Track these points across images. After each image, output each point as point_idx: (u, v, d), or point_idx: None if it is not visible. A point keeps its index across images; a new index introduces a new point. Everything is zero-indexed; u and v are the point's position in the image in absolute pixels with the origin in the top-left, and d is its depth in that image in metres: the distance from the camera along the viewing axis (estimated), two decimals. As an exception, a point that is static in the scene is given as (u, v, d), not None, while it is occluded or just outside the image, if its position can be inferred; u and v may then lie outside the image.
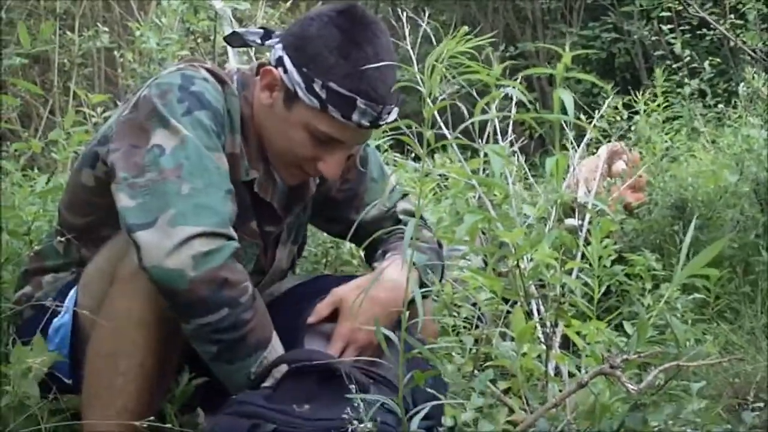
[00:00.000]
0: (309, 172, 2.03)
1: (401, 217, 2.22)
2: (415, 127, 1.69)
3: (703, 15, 3.69)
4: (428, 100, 1.63)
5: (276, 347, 1.90)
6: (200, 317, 1.79)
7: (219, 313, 1.79)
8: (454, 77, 2.00)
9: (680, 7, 3.95)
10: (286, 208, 2.15)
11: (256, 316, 1.84)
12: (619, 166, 3.83)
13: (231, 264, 1.80)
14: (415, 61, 2.96)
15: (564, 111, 1.80)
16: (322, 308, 2.02)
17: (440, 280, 2.18)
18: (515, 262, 2.07)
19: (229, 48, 3.44)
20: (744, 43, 3.81)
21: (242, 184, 2.04)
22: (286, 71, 1.95)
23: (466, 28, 1.71)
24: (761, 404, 2.03)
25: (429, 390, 1.70)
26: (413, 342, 1.63)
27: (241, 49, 2.96)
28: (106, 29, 5.41)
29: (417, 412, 1.61)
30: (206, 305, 1.78)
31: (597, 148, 4.23)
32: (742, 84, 4.65)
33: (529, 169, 4.11)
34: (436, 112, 3.35)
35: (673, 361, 1.52)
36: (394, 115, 1.98)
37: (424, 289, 1.88)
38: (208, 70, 2.02)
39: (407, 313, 1.65)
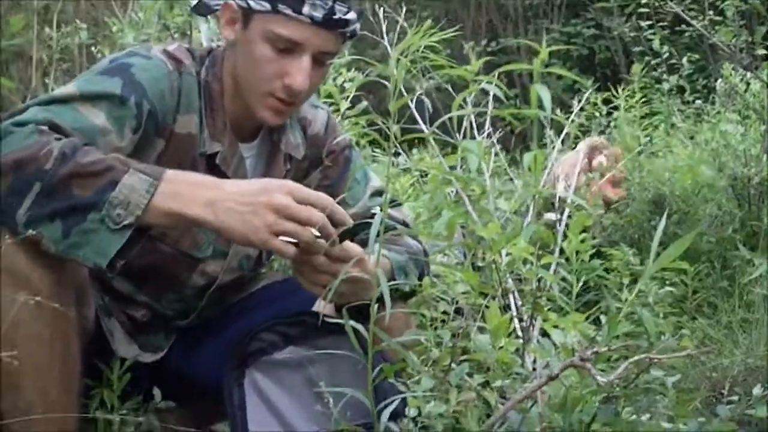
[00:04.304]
0: (279, 94, 1.98)
1: (386, 221, 2.20)
2: (382, 122, 1.68)
3: (678, 11, 3.68)
4: (393, 95, 1.63)
5: (132, 179, 1.69)
6: (21, 207, 1.65)
7: (33, 190, 1.65)
8: (429, 73, 2.00)
9: (657, 4, 3.97)
10: None
11: (78, 164, 1.66)
12: (599, 160, 3.84)
13: (25, 142, 1.67)
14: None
15: (542, 107, 1.79)
16: None
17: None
18: (491, 257, 2.07)
19: (201, 26, 3.43)
20: (720, 39, 3.81)
21: (201, 159, 2.02)
22: None
23: (430, 22, 1.70)
24: (736, 398, 2.04)
25: (393, 381, 1.69)
26: (382, 335, 1.62)
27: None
28: (85, 25, 5.39)
29: (386, 406, 1.61)
30: (16, 194, 1.65)
31: (577, 144, 4.24)
32: (719, 80, 4.67)
33: (510, 165, 4.13)
34: (414, 108, 3.37)
35: (643, 354, 1.52)
36: (353, 20, 1.97)
37: (392, 282, 1.86)
38: (165, 51, 2.02)
39: (375, 306, 1.63)
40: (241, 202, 1.72)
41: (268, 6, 1.93)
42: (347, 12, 1.95)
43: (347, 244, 1.82)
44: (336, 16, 1.94)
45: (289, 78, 1.96)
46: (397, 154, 4.05)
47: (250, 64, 1.99)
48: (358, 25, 2.01)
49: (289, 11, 1.92)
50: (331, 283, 1.71)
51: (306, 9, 1.91)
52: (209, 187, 1.74)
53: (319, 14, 1.92)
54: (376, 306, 1.63)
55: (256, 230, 1.71)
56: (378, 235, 1.62)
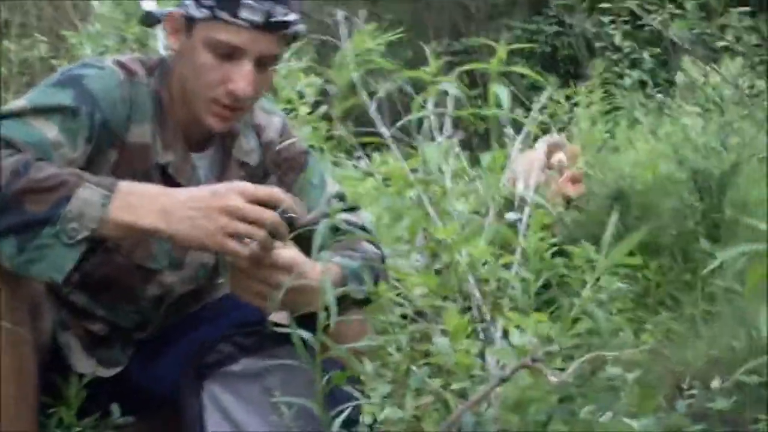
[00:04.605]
0: (223, 100, 1.98)
1: (343, 226, 2.19)
2: (331, 129, 1.68)
3: (632, 7, 3.70)
4: (337, 100, 1.62)
5: (86, 192, 1.69)
6: None
7: None
8: (388, 75, 2.00)
9: (616, -1, 3.99)
10: None
11: (31, 180, 1.66)
12: (558, 158, 3.84)
13: None
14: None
15: (501, 106, 1.79)
16: None
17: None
18: (449, 259, 2.07)
19: (159, 36, 3.42)
20: (674, 33, 3.83)
21: (155, 169, 2.02)
22: (182, 5, 1.98)
23: (374, 24, 1.70)
24: (695, 391, 2.05)
25: (345, 389, 1.69)
26: (330, 343, 1.61)
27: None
28: (45, 38, 5.37)
29: (338, 413, 1.60)
30: None
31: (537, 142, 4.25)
32: (679, 73, 4.69)
33: (473, 164, 4.13)
34: (374, 109, 3.36)
35: (597, 352, 1.52)
36: (295, 23, 1.97)
37: (343, 288, 1.85)
38: (118, 61, 2.02)
39: (324, 314, 1.62)
40: (193, 208, 1.73)
41: (207, 13, 1.93)
42: (286, 14, 1.95)
43: (287, 251, 1.82)
44: (274, 19, 1.94)
45: (232, 84, 1.96)
46: (358, 158, 4.04)
47: (194, 72, 1.98)
48: (300, 26, 2.01)
49: (227, 16, 1.92)
50: (269, 292, 1.72)
51: (244, 13, 1.92)
52: (161, 196, 1.75)
53: (257, 18, 1.92)
54: (330, 313, 1.62)
55: (209, 234, 1.72)
56: (323, 239, 1.61)
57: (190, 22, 1.97)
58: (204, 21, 1.95)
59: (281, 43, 2.00)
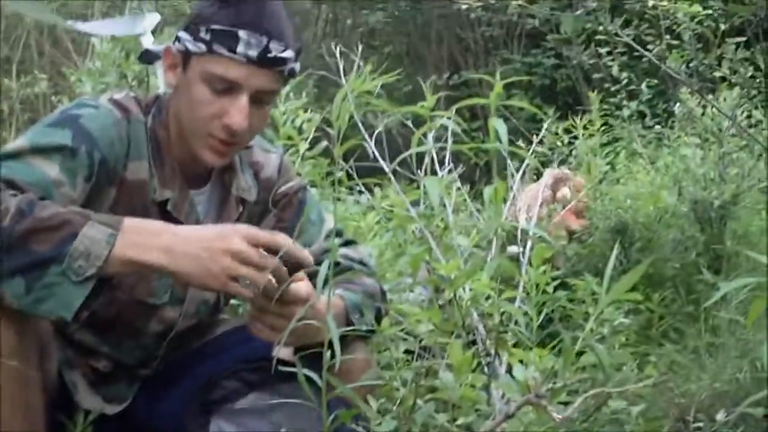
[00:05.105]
0: (218, 134, 1.99)
1: (342, 261, 2.20)
2: (328, 165, 1.69)
3: (628, 41, 3.72)
4: (338, 140, 1.63)
5: (92, 230, 1.70)
6: None
7: None
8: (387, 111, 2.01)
9: (614, 30, 4.00)
10: None
11: (36, 219, 1.67)
12: (563, 192, 3.85)
13: None
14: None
15: (501, 139, 1.80)
16: None
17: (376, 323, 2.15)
18: (452, 294, 2.07)
19: (158, 72, 3.44)
20: (669, 66, 3.84)
21: (153, 205, 2.03)
22: (179, 41, 2.00)
23: (370, 67, 1.71)
24: (701, 424, 2.05)
25: (354, 427, 1.69)
26: (335, 381, 1.61)
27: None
28: (45, 76, 5.40)
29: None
30: None
31: (538, 175, 4.26)
32: (677, 104, 4.70)
33: (475, 198, 4.13)
34: (372, 145, 3.38)
35: (600, 387, 1.52)
36: (291, 59, 1.98)
37: (347, 329, 1.86)
38: (112, 99, 2.04)
39: (329, 353, 1.63)
40: (197, 247, 1.74)
41: (204, 48, 1.96)
42: (284, 50, 1.97)
43: (296, 286, 1.83)
44: (271, 55, 1.95)
45: (227, 118, 1.97)
46: (360, 192, 4.05)
47: (190, 106, 2.00)
48: (297, 65, 2.03)
49: (224, 51, 1.94)
50: (285, 326, 1.73)
51: (240, 48, 1.94)
52: (165, 233, 1.76)
53: (253, 53, 1.94)
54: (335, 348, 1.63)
55: (212, 274, 1.74)
56: (327, 277, 1.62)
57: (186, 56, 2.00)
58: (200, 55, 1.97)
59: (278, 79, 2.01)
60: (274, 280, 1.78)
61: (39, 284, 1.66)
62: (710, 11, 4.47)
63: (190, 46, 1.97)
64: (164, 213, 2.03)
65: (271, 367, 1.85)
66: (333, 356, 1.60)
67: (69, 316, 1.68)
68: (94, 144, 1.92)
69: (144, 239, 1.73)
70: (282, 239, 1.80)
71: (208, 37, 1.95)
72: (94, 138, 1.93)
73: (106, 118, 1.98)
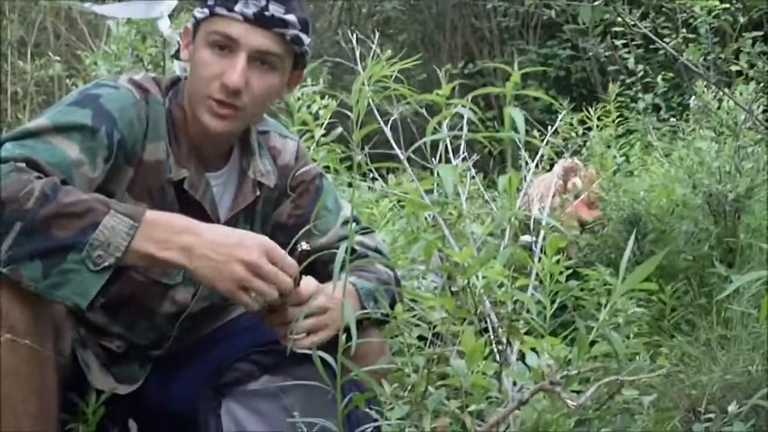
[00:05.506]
0: (216, 95, 2.00)
1: (358, 249, 2.20)
2: (343, 151, 1.69)
3: (647, 32, 3.70)
4: (356, 126, 1.63)
5: (113, 221, 1.71)
6: (1, 246, 1.65)
7: (13, 230, 1.65)
8: (403, 98, 2.00)
9: (632, 22, 3.99)
10: (232, 218, 2.14)
11: (59, 204, 1.68)
12: (574, 182, 3.85)
13: (5, 181, 1.68)
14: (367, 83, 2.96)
15: (516, 129, 1.80)
16: None
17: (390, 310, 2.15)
18: (465, 281, 2.07)
19: (175, 63, 3.45)
20: (687, 58, 3.83)
21: (170, 185, 2.04)
22: (194, 17, 2.07)
23: (389, 53, 1.71)
24: (712, 415, 2.04)
25: (367, 410, 1.70)
26: (350, 365, 1.62)
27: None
28: (59, 58, 5.40)
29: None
30: None
31: (551, 165, 4.25)
32: (693, 97, 4.69)
33: (489, 187, 4.13)
34: (389, 133, 3.38)
35: (614, 376, 1.52)
36: (293, 22, 2.00)
37: (360, 312, 1.87)
38: (131, 80, 2.05)
39: (344, 336, 1.63)
40: (215, 251, 1.77)
41: (207, 12, 2.01)
42: (285, 12, 1.99)
43: (305, 283, 1.89)
44: (268, 13, 1.98)
45: (225, 77, 1.99)
46: (374, 179, 4.05)
47: (195, 71, 2.04)
48: (304, 36, 2.04)
49: (223, 11, 1.99)
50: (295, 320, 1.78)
51: (238, 6, 1.98)
52: (188, 234, 1.78)
53: (250, 11, 1.98)
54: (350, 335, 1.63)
55: (224, 280, 1.77)
56: (343, 264, 1.63)
57: (196, 27, 2.05)
58: (204, 20, 2.02)
59: (277, 41, 2.01)
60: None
61: (56, 270, 1.67)
62: (727, 5, 4.46)
63: (198, 15, 2.03)
64: (180, 192, 2.04)
65: (284, 350, 1.86)
66: (348, 340, 1.60)
67: (84, 303, 1.69)
68: (114, 124, 1.93)
69: (165, 235, 1.76)
70: (295, 267, 1.84)
71: (212, 2, 2.00)
72: (113, 118, 1.94)
73: (126, 98, 1.99)
